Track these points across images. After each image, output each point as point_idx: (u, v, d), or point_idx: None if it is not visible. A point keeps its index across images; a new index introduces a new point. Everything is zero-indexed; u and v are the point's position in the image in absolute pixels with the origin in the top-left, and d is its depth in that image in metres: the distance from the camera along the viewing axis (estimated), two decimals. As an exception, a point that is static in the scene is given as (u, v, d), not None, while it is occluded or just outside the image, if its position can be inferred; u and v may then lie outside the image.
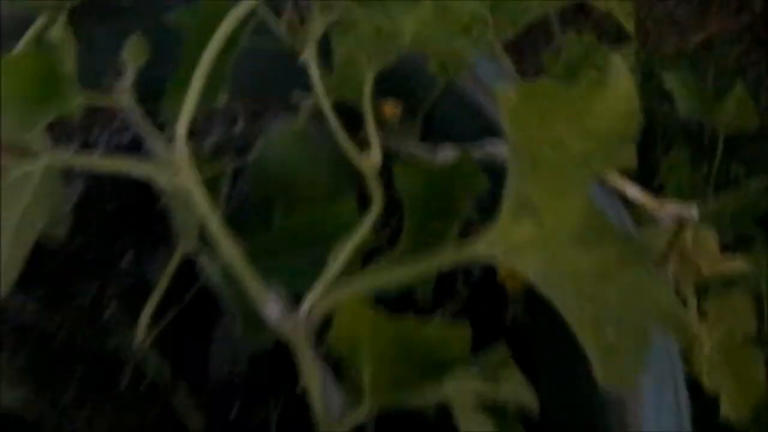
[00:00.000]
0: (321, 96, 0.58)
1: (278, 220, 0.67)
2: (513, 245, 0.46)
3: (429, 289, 0.63)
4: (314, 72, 0.58)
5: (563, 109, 0.44)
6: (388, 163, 0.65)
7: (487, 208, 0.65)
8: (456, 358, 0.56)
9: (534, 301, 0.73)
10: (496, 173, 0.62)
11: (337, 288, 0.57)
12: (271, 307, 0.58)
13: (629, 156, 0.47)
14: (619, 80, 0.45)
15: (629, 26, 0.71)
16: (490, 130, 0.71)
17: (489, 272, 0.77)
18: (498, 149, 0.66)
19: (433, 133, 0.78)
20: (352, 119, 0.85)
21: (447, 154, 0.67)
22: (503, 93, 0.41)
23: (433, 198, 0.62)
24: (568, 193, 0.46)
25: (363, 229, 0.58)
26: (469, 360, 0.56)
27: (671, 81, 1.38)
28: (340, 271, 0.58)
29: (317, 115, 0.78)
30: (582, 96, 0.44)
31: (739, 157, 1.50)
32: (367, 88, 0.58)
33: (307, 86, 0.76)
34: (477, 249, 0.47)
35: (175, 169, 0.59)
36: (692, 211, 0.69)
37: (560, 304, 0.45)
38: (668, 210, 0.67)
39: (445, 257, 0.50)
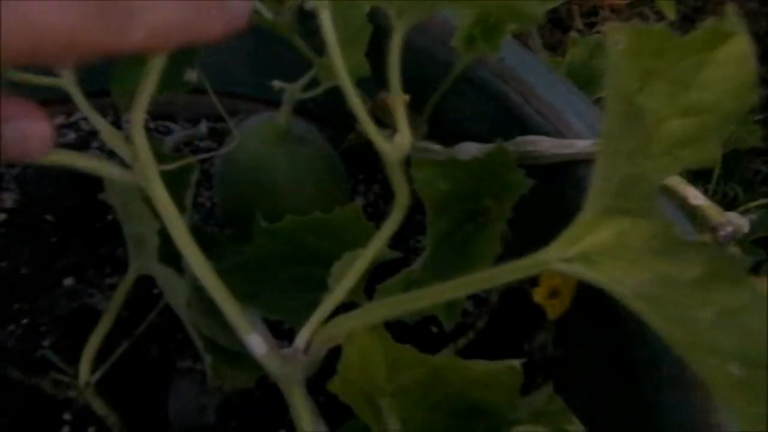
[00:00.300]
0: (335, 56, 0.45)
1: (257, 233, 0.54)
2: (591, 252, 0.36)
3: (456, 314, 0.51)
4: (326, 19, 0.45)
5: (673, 66, 0.34)
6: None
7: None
8: (504, 402, 0.45)
9: (570, 330, 0.62)
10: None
11: (343, 318, 0.45)
12: (256, 339, 0.46)
13: (714, 150, 0.37)
14: (738, 39, 0.34)
15: (671, 15, 0.61)
16: (511, 127, 0.59)
17: (507, 298, 0.65)
18: (538, 146, 0.54)
19: (440, 130, 0.66)
20: (340, 118, 0.73)
21: (469, 151, 0.55)
22: (614, 32, 0.30)
23: (461, 200, 0.50)
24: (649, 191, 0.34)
25: (380, 240, 0.45)
26: (516, 405, 0.45)
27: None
28: (345, 295, 0.46)
29: (300, 110, 0.66)
30: (697, 49, 0.33)
31: (733, 176, 1.43)
32: (395, 53, 0.46)
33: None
34: (548, 257, 0.36)
35: (129, 161, 0.48)
36: (745, 223, 0.60)
37: (657, 326, 0.35)
38: (731, 221, 0.56)
39: (507, 270, 0.38)
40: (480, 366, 0.45)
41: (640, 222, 0.35)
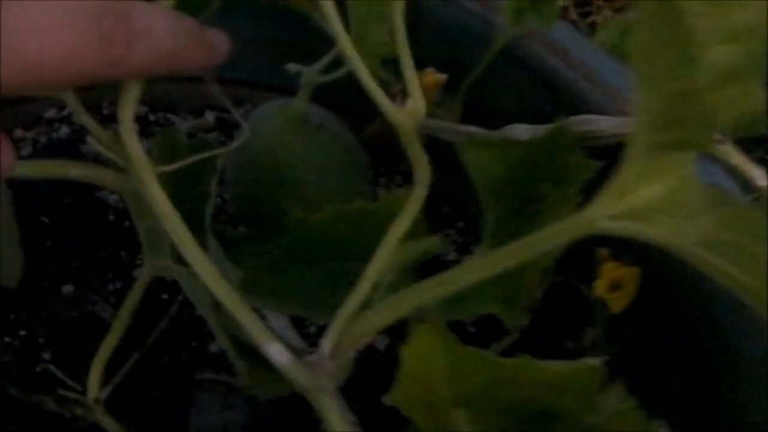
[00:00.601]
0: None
1: (290, 225, 0.49)
2: (641, 208, 0.32)
3: (519, 311, 0.46)
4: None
5: None
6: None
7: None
8: (580, 405, 0.41)
9: (624, 325, 0.58)
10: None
11: (376, 309, 0.40)
12: (276, 348, 0.41)
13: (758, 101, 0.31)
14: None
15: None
16: (560, 107, 0.55)
17: (551, 295, 0.61)
18: (597, 125, 0.50)
19: (475, 114, 0.61)
20: (359, 106, 0.69)
21: (519, 134, 0.51)
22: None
23: (515, 186, 0.46)
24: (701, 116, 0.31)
25: (408, 214, 0.41)
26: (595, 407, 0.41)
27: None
28: (371, 285, 0.41)
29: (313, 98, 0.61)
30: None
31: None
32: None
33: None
34: (594, 215, 0.33)
35: (122, 167, 0.45)
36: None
37: (731, 282, 0.31)
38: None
39: (548, 234, 0.35)
40: (555, 367, 0.41)
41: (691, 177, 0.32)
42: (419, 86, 0.43)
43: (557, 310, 0.62)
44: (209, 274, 0.42)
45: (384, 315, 0.38)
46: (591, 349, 0.61)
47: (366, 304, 0.41)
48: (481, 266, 0.36)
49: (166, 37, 0.38)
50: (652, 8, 0.27)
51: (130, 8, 0.37)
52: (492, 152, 0.46)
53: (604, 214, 0.32)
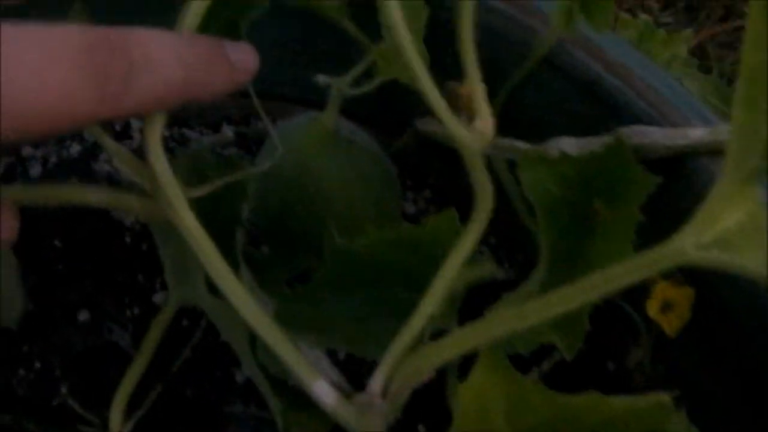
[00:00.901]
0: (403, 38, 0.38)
1: (329, 252, 0.46)
2: (727, 238, 0.30)
3: (580, 337, 0.44)
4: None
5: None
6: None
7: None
8: None
9: (670, 345, 0.55)
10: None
11: (435, 345, 0.37)
12: (323, 386, 0.39)
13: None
14: None
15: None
16: (602, 117, 0.52)
17: (592, 314, 0.58)
18: (648, 138, 0.47)
19: (509, 125, 0.58)
20: (387, 119, 0.66)
21: (565, 148, 0.48)
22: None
23: (569, 204, 0.43)
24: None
25: (468, 244, 0.38)
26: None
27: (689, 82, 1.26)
28: (426, 320, 0.39)
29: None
30: None
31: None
32: (466, 28, 0.40)
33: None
34: (683, 245, 0.30)
35: (148, 191, 0.42)
36: None
37: None
38: None
39: (634, 266, 0.32)
40: (622, 403, 0.39)
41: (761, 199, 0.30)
42: (484, 101, 0.40)
43: (597, 328, 0.60)
44: (247, 308, 0.40)
45: (444, 352, 0.36)
46: (635, 371, 0.58)
47: (419, 338, 0.38)
48: (556, 300, 0.33)
49: (173, 66, 0.35)
50: (763, 24, 0.25)
51: (127, 37, 0.33)
52: (547, 168, 0.43)
53: (694, 243, 0.30)
